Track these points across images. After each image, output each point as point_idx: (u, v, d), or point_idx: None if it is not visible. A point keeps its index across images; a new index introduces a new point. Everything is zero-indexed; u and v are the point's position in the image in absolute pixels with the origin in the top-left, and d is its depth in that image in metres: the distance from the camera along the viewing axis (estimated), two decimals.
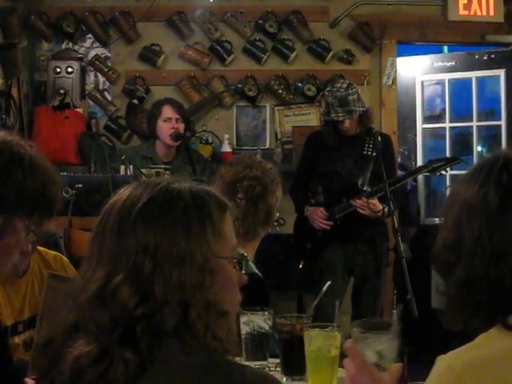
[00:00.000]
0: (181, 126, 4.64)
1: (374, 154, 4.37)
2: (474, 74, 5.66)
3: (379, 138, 4.32)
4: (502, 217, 1.27)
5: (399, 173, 4.89)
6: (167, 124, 4.61)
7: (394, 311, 4.44)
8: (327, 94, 4.45)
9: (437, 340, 5.33)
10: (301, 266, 4.58)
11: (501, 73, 5.63)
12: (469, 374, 1.20)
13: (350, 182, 4.43)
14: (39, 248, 2.54)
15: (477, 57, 5.63)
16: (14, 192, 1.64)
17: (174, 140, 4.58)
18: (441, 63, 5.68)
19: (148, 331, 1.24)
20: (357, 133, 4.43)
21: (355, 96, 4.36)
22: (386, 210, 4.23)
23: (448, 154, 5.63)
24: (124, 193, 1.36)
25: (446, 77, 5.70)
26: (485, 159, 1.36)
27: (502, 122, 5.67)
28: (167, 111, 4.65)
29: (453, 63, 5.68)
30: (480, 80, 5.71)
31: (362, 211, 4.30)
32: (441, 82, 5.83)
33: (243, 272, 1.43)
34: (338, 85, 4.41)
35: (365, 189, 4.36)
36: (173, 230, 1.29)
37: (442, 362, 1.24)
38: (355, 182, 4.41)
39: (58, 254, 2.63)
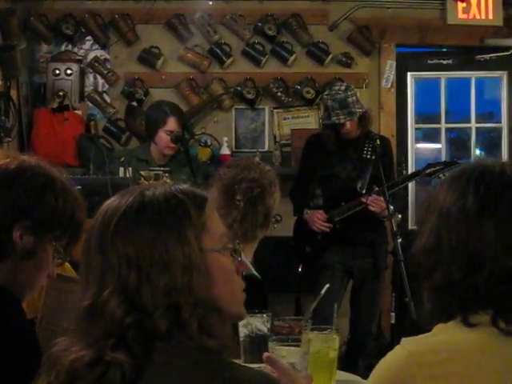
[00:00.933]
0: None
1: (374, 157, 4.37)
2: (473, 74, 5.63)
3: (378, 142, 4.33)
4: (480, 226, 1.31)
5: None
6: (168, 137, 4.59)
7: (393, 314, 4.45)
8: (326, 97, 4.44)
9: None
10: (300, 270, 4.59)
11: (503, 75, 5.60)
12: (424, 358, 1.27)
13: (349, 186, 4.44)
14: None
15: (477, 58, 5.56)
16: (47, 215, 1.68)
17: (173, 142, 4.58)
18: (437, 61, 5.62)
19: (139, 337, 1.25)
20: (356, 136, 4.43)
21: (354, 98, 4.36)
22: (391, 210, 4.23)
23: (444, 158, 5.62)
24: (103, 208, 1.36)
25: (443, 75, 5.65)
26: (463, 167, 1.41)
27: (503, 125, 5.63)
28: (172, 124, 4.62)
29: (450, 62, 5.63)
30: (478, 81, 5.69)
31: (372, 208, 4.28)
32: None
33: (240, 259, 1.42)
34: (337, 87, 4.42)
35: (363, 192, 4.37)
36: (150, 238, 1.29)
37: (400, 345, 1.32)
38: (354, 185, 4.42)
39: None
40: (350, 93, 4.36)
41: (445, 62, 5.61)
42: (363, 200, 4.30)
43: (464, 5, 5.33)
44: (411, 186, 5.26)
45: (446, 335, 1.31)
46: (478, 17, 5.34)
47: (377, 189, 4.30)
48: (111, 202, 1.37)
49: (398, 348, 1.32)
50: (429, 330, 1.34)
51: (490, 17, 5.34)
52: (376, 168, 4.26)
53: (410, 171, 5.46)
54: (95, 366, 1.24)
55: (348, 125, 4.36)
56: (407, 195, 5.37)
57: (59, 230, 1.68)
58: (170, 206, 1.34)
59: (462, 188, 1.35)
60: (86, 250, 1.35)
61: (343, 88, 4.38)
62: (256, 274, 2.67)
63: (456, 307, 1.32)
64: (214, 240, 1.36)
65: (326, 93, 4.52)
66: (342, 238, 4.44)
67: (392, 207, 4.20)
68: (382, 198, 4.22)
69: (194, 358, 1.25)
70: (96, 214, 1.37)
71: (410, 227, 5.51)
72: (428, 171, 4.28)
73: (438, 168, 4.25)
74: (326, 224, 4.45)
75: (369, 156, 4.39)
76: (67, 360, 1.26)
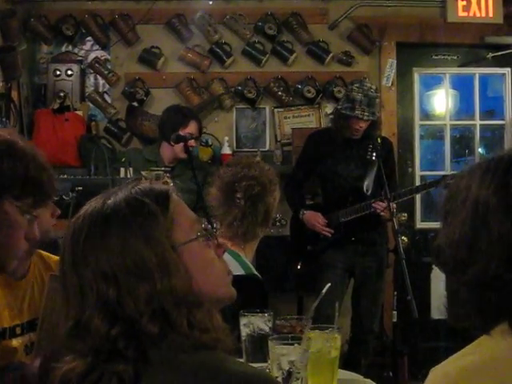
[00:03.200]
0: (194, 144, 4.63)
1: (377, 158, 4.39)
2: (477, 71, 5.61)
3: (378, 140, 4.34)
4: None
5: None
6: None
7: (395, 312, 4.46)
8: (357, 90, 4.40)
9: (436, 342, 5.36)
10: (299, 267, 4.59)
11: (506, 71, 5.59)
12: (464, 380, 1.20)
13: (353, 185, 4.44)
14: (41, 252, 2.55)
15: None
16: (3, 177, 1.67)
17: (174, 142, 4.56)
18: (441, 56, 5.60)
19: (131, 344, 1.23)
20: (364, 136, 4.43)
21: (378, 100, 4.45)
22: (394, 210, 4.24)
23: (448, 155, 5.61)
24: (72, 222, 1.34)
25: (447, 71, 5.64)
26: (493, 158, 1.33)
27: (507, 122, 5.62)
28: (192, 127, 4.62)
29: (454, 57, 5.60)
30: (482, 78, 5.67)
31: (382, 213, 4.28)
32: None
33: (217, 240, 1.41)
34: (368, 85, 4.44)
35: (368, 193, 4.38)
36: (120, 247, 1.28)
37: (437, 370, 1.24)
38: (358, 185, 4.42)
39: None
40: (377, 94, 4.43)
41: (449, 58, 5.60)
42: (376, 207, 4.28)
43: (464, 3, 5.33)
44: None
45: (483, 352, 1.23)
46: (478, 15, 5.34)
47: (388, 195, 4.30)
48: (77, 216, 1.34)
49: (435, 376, 1.24)
50: (464, 328, 1.28)
51: (490, 15, 5.34)
52: (379, 169, 4.28)
53: (416, 169, 5.48)
54: (89, 375, 1.23)
55: (363, 124, 4.36)
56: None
57: (16, 190, 1.66)
58: (133, 210, 1.31)
59: (499, 179, 1.27)
60: (61, 269, 1.34)
61: (374, 88, 4.44)
62: (257, 273, 2.67)
63: (491, 305, 1.24)
64: (185, 231, 1.35)
65: (356, 85, 4.47)
66: (344, 236, 4.44)
67: (395, 205, 4.20)
68: (394, 205, 4.24)
69: (191, 356, 1.24)
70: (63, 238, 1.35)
71: (417, 226, 5.52)
72: (445, 182, 4.24)
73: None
74: (327, 229, 4.46)
75: (373, 157, 4.38)
76: (60, 371, 1.25)
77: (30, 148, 1.68)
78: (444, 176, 4.35)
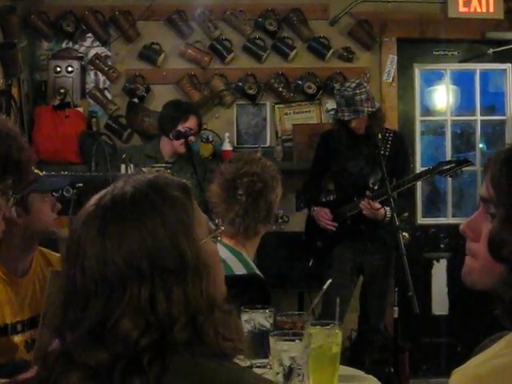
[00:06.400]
0: (193, 139, 4.62)
1: (387, 153, 4.39)
2: (478, 67, 5.60)
3: (379, 136, 4.33)
4: None
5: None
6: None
7: (396, 308, 4.45)
8: (336, 92, 4.47)
9: (437, 337, 5.36)
10: (310, 264, 4.60)
11: (507, 67, 5.58)
12: (495, 381, 1.17)
13: (362, 181, 4.45)
14: (43, 249, 2.56)
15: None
16: None
17: (175, 139, 4.57)
18: (442, 52, 5.58)
19: (156, 360, 1.12)
20: (369, 131, 4.39)
21: (363, 96, 4.35)
22: (388, 213, 4.24)
23: (449, 151, 5.61)
24: (84, 215, 1.21)
25: (448, 67, 5.63)
26: None
27: (508, 118, 5.61)
28: (192, 122, 4.64)
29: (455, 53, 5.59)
30: (483, 73, 5.66)
31: (364, 212, 4.31)
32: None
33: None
34: (347, 84, 4.42)
35: (375, 187, 4.38)
36: (153, 238, 1.16)
37: (465, 372, 1.21)
38: (366, 180, 4.43)
39: None
40: (359, 91, 4.34)
41: (450, 54, 5.58)
42: (357, 203, 4.31)
43: None
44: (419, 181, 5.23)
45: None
46: (478, 10, 5.33)
47: (369, 194, 4.32)
48: (95, 205, 1.21)
49: (465, 377, 1.20)
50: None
51: (491, 10, 5.32)
52: (389, 164, 4.27)
53: (416, 164, 5.47)
54: None
55: (353, 122, 4.36)
56: (415, 191, 5.36)
57: None
58: (162, 196, 1.20)
59: None
60: (75, 262, 1.18)
61: (353, 85, 4.37)
62: (259, 272, 2.66)
63: None
64: (204, 229, 1.27)
65: (337, 88, 4.51)
66: (353, 234, 4.45)
67: (388, 208, 4.20)
68: (375, 203, 4.25)
69: (208, 366, 1.15)
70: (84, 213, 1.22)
71: (418, 222, 5.52)
72: (439, 169, 4.23)
73: (449, 166, 4.22)
74: (331, 223, 4.47)
75: (382, 152, 4.36)
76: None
77: (8, 128, 1.63)
78: (440, 163, 4.29)
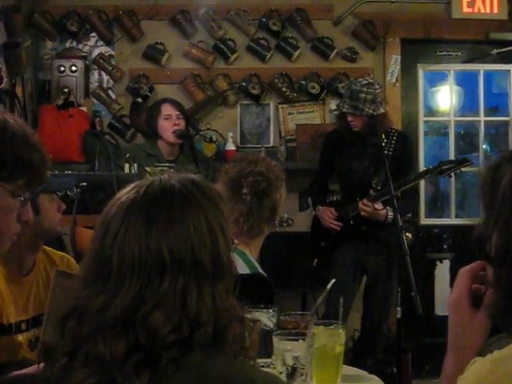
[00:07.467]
0: (182, 123, 4.70)
1: (391, 153, 4.39)
2: (481, 67, 5.59)
3: (385, 135, 4.33)
4: None
5: None
6: (168, 122, 4.66)
7: (399, 308, 4.45)
8: (347, 83, 4.47)
9: (440, 338, 5.36)
10: (315, 264, 4.60)
11: (510, 68, 5.57)
12: (509, 380, 1.15)
13: (365, 181, 4.45)
14: (46, 248, 2.56)
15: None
16: None
17: (177, 138, 4.61)
18: (446, 53, 5.58)
19: (173, 361, 1.12)
20: (374, 131, 4.39)
21: (369, 96, 4.34)
22: (389, 214, 4.24)
23: (452, 151, 5.60)
24: (115, 207, 1.20)
25: (451, 67, 5.62)
26: None
27: (511, 119, 5.60)
28: (166, 109, 4.72)
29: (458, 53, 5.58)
30: (487, 74, 5.65)
31: (362, 213, 4.31)
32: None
33: None
34: (360, 79, 4.44)
35: (378, 188, 4.38)
36: (196, 233, 1.17)
37: (484, 363, 1.19)
38: (370, 180, 4.43)
39: (65, 254, 2.65)
40: (366, 89, 4.34)
41: (454, 55, 5.58)
42: (361, 206, 4.32)
43: None
44: (422, 182, 5.23)
45: None
46: (482, 11, 5.32)
47: (373, 194, 4.32)
48: (130, 198, 1.20)
49: (483, 368, 1.17)
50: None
51: (495, 11, 5.32)
52: (393, 165, 4.27)
53: (420, 165, 5.47)
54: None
55: (349, 117, 4.38)
56: (418, 192, 5.35)
57: (5, 172, 1.60)
58: (203, 191, 1.22)
59: None
60: (109, 241, 1.17)
61: (364, 83, 4.38)
62: (262, 272, 2.66)
63: None
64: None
65: (350, 80, 4.51)
66: (356, 234, 4.45)
67: (380, 206, 4.20)
68: (376, 205, 4.25)
69: (219, 367, 1.14)
70: (114, 205, 1.21)
71: (421, 223, 5.51)
72: (439, 169, 4.23)
73: (449, 166, 4.22)
74: (335, 222, 4.47)
75: (386, 152, 4.36)
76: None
77: (20, 128, 1.63)
78: (440, 162, 4.29)
